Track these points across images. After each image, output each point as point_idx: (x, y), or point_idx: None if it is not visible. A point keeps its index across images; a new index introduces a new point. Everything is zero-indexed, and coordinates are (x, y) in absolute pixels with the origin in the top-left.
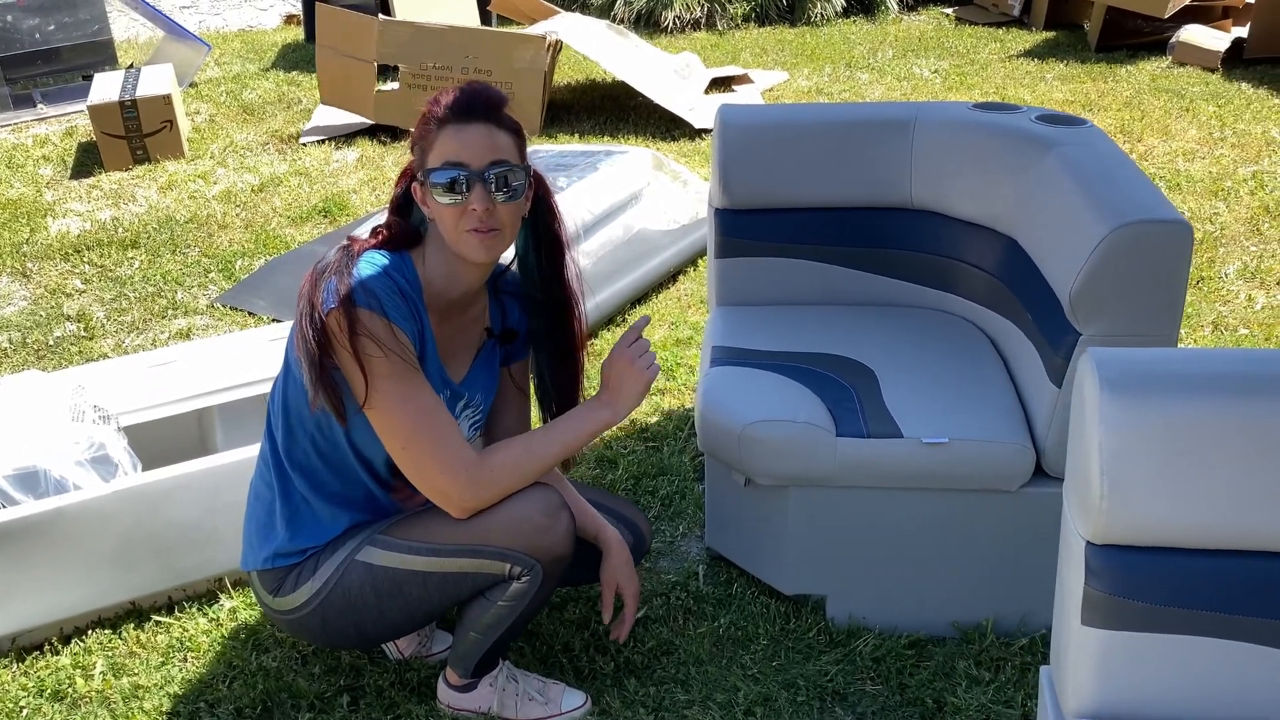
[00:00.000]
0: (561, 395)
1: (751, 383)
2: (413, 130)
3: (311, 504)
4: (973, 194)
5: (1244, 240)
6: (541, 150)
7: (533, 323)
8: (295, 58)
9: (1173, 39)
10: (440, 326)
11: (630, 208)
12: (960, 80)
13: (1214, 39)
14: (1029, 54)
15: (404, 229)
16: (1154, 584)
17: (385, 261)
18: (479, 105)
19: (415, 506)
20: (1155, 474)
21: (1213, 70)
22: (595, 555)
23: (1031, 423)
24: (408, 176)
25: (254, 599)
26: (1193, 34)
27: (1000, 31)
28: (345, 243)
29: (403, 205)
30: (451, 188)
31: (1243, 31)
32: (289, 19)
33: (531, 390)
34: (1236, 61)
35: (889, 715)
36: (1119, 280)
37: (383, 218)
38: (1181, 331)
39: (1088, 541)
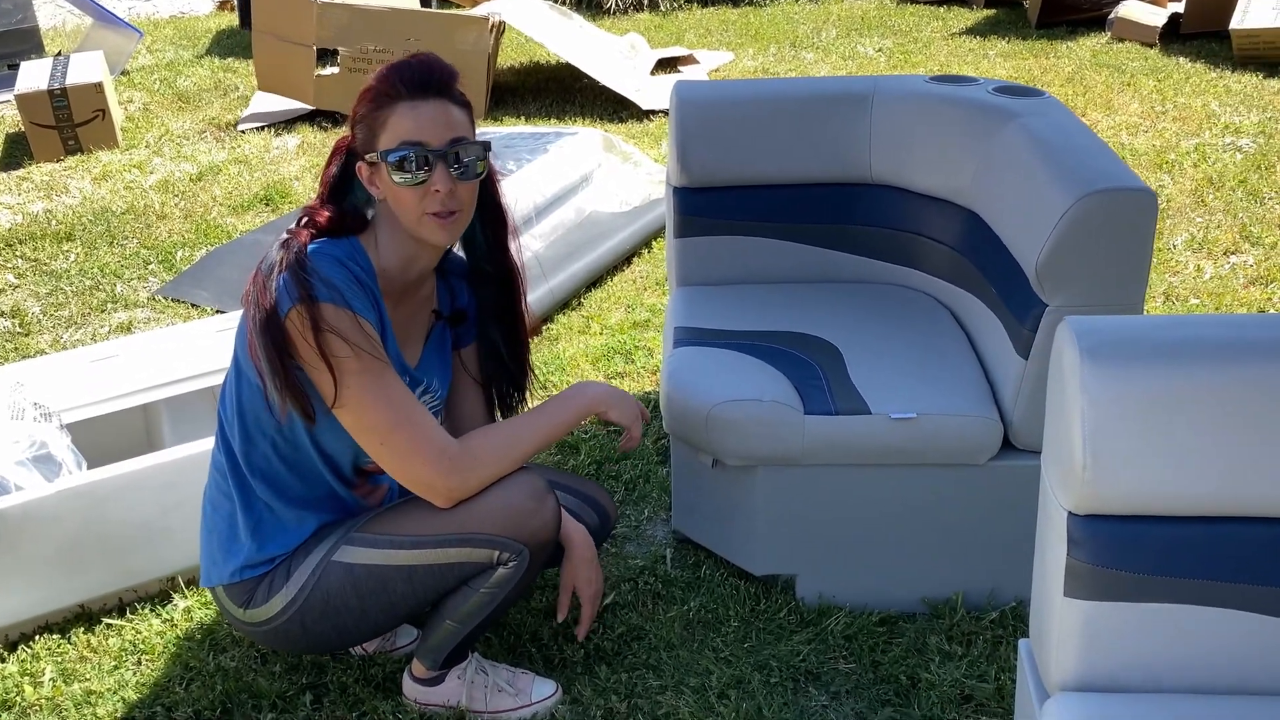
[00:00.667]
0: (517, 368)
1: (716, 363)
2: (355, 105)
3: (275, 510)
4: (932, 167)
5: (1190, 212)
6: (488, 133)
7: (481, 299)
8: (230, 44)
9: (1111, 15)
10: (395, 311)
11: (581, 190)
12: (905, 59)
13: (1151, 14)
14: (971, 31)
15: (347, 214)
16: (1137, 553)
17: (337, 251)
18: (434, 80)
19: (377, 501)
20: (1138, 442)
21: (1151, 45)
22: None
23: (998, 396)
24: (341, 154)
25: (211, 600)
26: (1131, 10)
27: (942, 10)
28: (285, 236)
29: (338, 187)
30: (412, 169)
31: (1179, 7)
32: (223, 4)
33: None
34: (1173, 36)
35: (863, 693)
36: (1085, 250)
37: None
38: None
39: (1070, 512)
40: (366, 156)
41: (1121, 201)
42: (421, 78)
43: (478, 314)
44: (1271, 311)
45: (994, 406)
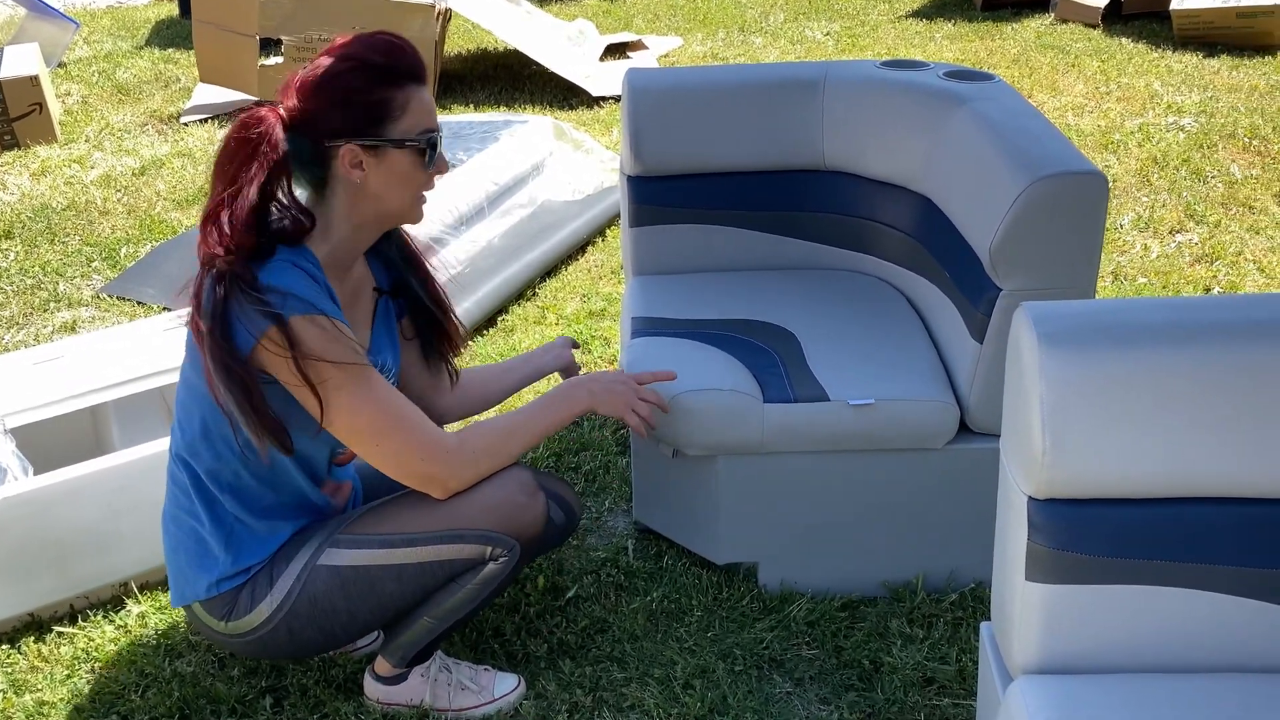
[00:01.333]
0: (451, 336)
1: (674, 352)
2: (329, 81)
3: (246, 522)
4: (885, 153)
5: (1136, 191)
6: (440, 119)
7: (386, 256)
8: (170, 34)
9: None
10: (337, 290)
11: (533, 178)
12: (852, 42)
13: None
14: (917, 14)
15: (289, 227)
16: (1097, 536)
17: (283, 258)
18: (424, 67)
19: (343, 499)
20: (1096, 426)
21: (1094, 26)
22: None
23: (954, 380)
24: (272, 149)
25: (165, 605)
26: None
27: None
28: (216, 269)
29: (271, 181)
30: (430, 154)
31: None
32: None
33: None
34: (1115, 17)
35: (826, 679)
36: (1037, 234)
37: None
38: None
39: (1030, 497)
40: (362, 139)
41: (1072, 185)
42: (419, 63)
43: (409, 279)
44: (1217, 289)
45: (950, 390)
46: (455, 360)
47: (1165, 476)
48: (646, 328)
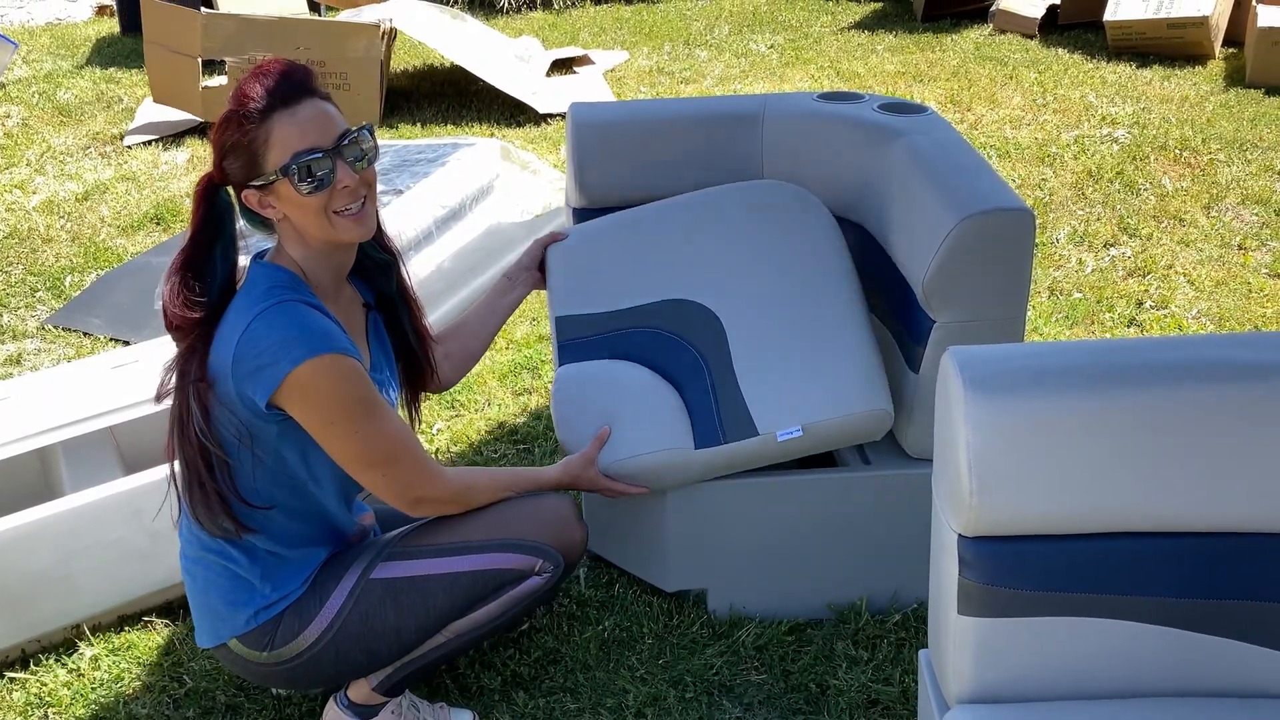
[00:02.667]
0: (422, 349)
1: (602, 398)
2: (218, 136)
3: (280, 554)
4: (823, 185)
5: (1071, 205)
6: (384, 145)
7: (378, 286)
8: (111, 52)
9: (993, 7)
10: (336, 316)
11: (482, 201)
12: (796, 55)
13: (1030, 6)
14: (859, 25)
15: (216, 270)
16: (1025, 571)
17: (276, 292)
18: (298, 84)
19: (369, 526)
20: (1020, 467)
21: (1031, 37)
22: None
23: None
24: (208, 191)
25: (119, 646)
26: (1011, 2)
27: (830, 4)
28: (188, 337)
29: (210, 234)
30: (314, 175)
31: None
32: (101, 9)
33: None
34: (1052, 27)
35: (775, 703)
36: (968, 268)
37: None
38: None
39: (959, 534)
40: (253, 182)
41: (1001, 222)
42: (286, 85)
43: (383, 300)
44: (1149, 303)
45: (880, 390)
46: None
47: (1088, 513)
48: (572, 342)
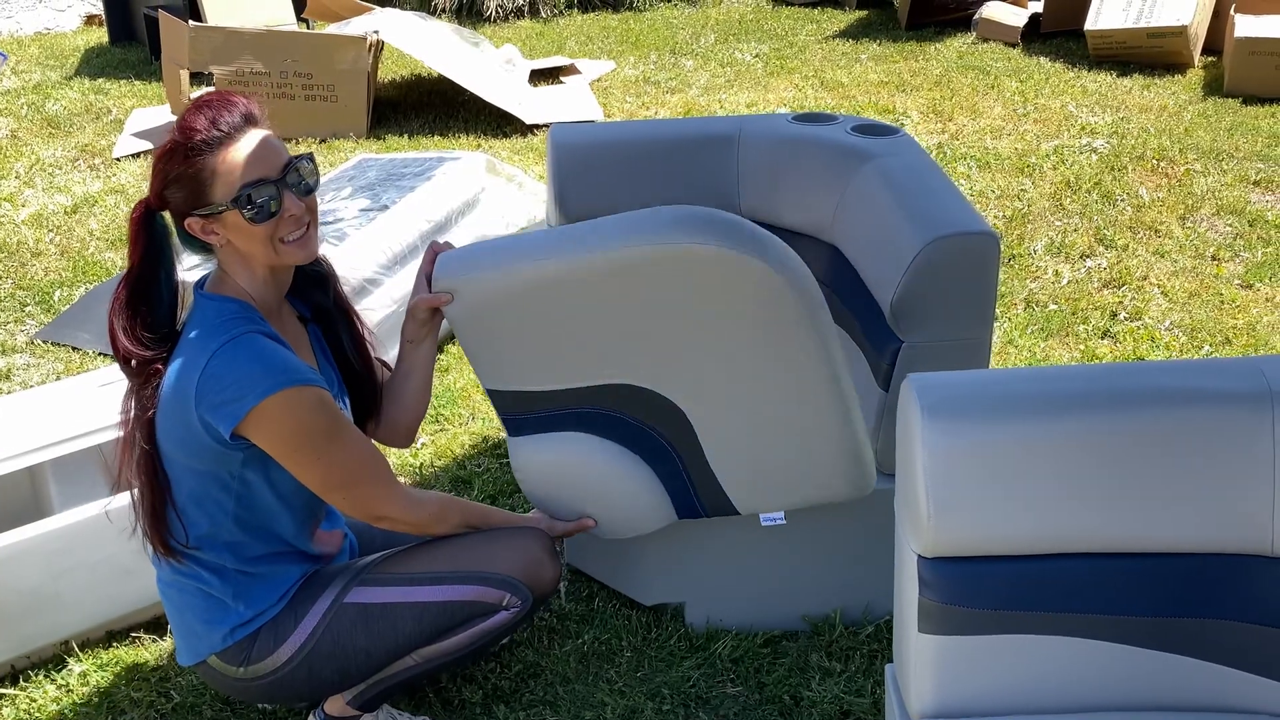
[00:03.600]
0: (362, 363)
1: (574, 480)
2: (160, 166)
3: (250, 572)
4: (797, 205)
5: (1049, 216)
6: (371, 159)
7: (315, 302)
8: (100, 63)
9: (976, 15)
10: (279, 333)
11: (468, 214)
12: (780, 64)
13: (1013, 15)
14: (844, 34)
15: (160, 302)
16: (982, 591)
17: (230, 325)
18: (245, 116)
19: (335, 548)
20: (976, 491)
21: (1014, 45)
22: None
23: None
24: (146, 218)
25: (107, 662)
26: (994, 10)
27: (816, 12)
28: (145, 371)
29: (152, 261)
30: (262, 206)
31: (1039, 6)
32: (90, 19)
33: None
34: (1034, 35)
35: (749, 715)
36: (935, 291)
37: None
38: (996, 309)
39: (919, 555)
40: (197, 211)
41: (967, 245)
42: (231, 118)
43: (319, 312)
44: (1123, 314)
45: (861, 467)
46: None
47: (1043, 535)
48: (515, 414)
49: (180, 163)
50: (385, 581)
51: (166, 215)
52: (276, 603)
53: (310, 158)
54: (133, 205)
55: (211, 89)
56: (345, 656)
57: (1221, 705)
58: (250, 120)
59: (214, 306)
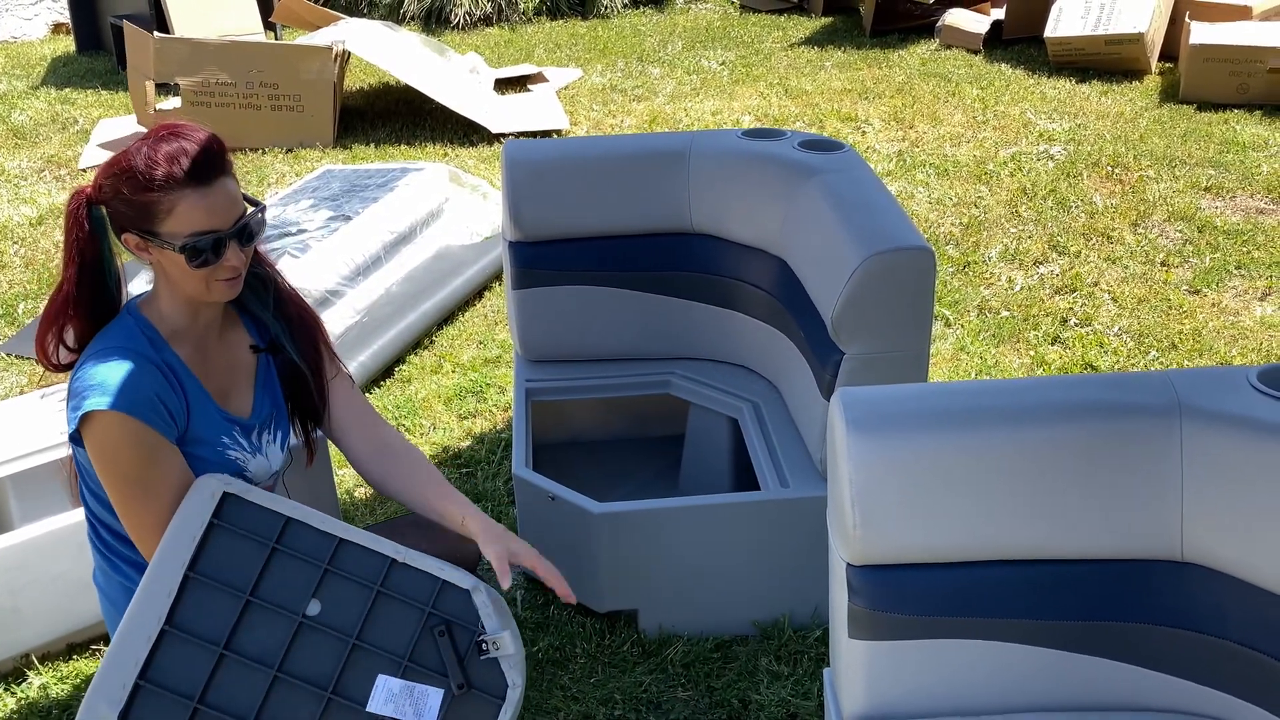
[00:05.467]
0: (314, 372)
1: None
2: (115, 182)
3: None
4: (745, 219)
5: (1005, 223)
6: (335, 169)
7: (281, 324)
8: (67, 72)
9: (939, 22)
10: (209, 362)
11: (431, 225)
12: (746, 72)
13: (975, 22)
14: (809, 41)
15: (105, 296)
16: (908, 597)
17: (111, 339)
18: (214, 162)
19: None
20: (900, 502)
21: (976, 52)
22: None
23: (803, 432)
24: (78, 225)
25: (68, 674)
26: (956, 17)
27: (782, 19)
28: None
29: (90, 252)
30: (205, 256)
31: (1000, 14)
32: (57, 27)
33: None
34: (996, 42)
35: (699, 719)
36: (873, 304)
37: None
38: (950, 315)
39: (848, 563)
40: (136, 231)
41: (903, 260)
42: (204, 164)
43: (282, 340)
44: (1074, 320)
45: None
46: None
47: (964, 543)
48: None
49: (137, 190)
50: None
51: (104, 210)
52: None
53: (262, 209)
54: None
55: (178, 104)
56: None
57: (1137, 704)
58: (218, 167)
59: (127, 322)
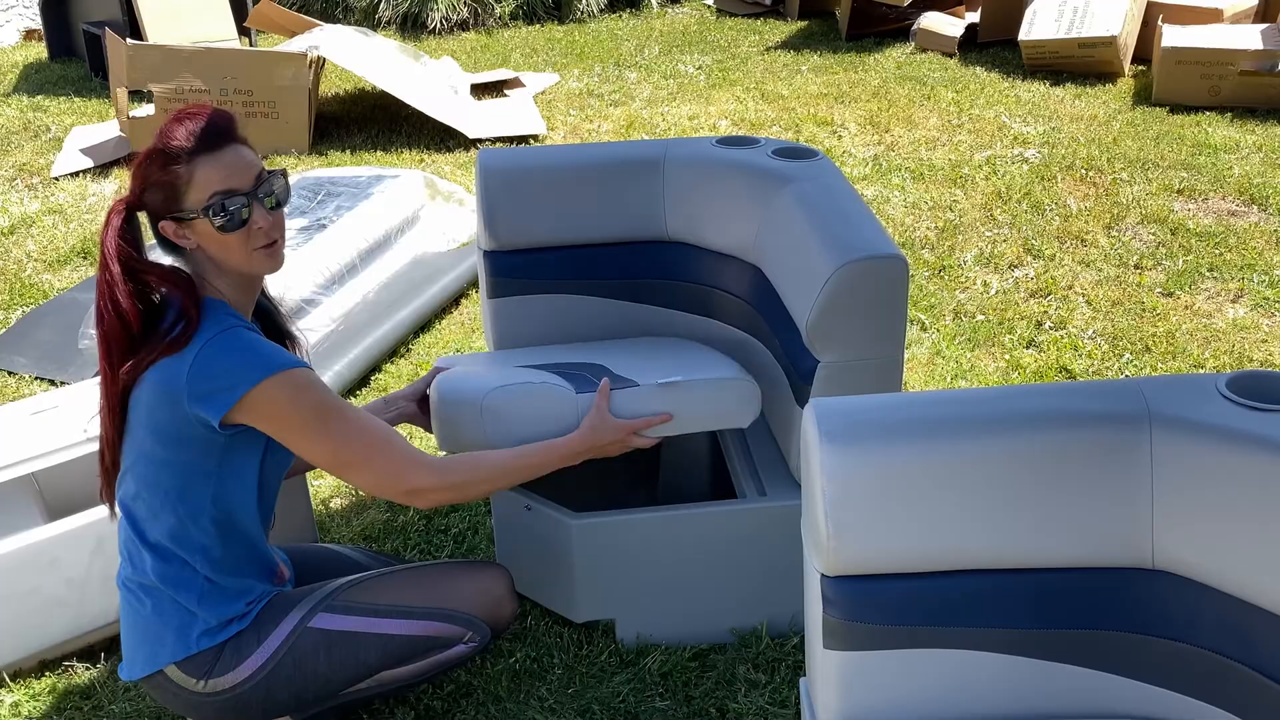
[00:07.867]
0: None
1: (483, 368)
2: (142, 170)
3: (216, 581)
4: (720, 227)
5: (980, 226)
6: (310, 175)
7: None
8: (39, 79)
9: (914, 26)
10: None
11: (407, 232)
12: (723, 76)
13: (950, 25)
14: (785, 45)
15: (185, 283)
16: (882, 607)
17: (215, 324)
18: (223, 130)
19: (282, 578)
20: (874, 512)
21: (951, 55)
22: None
23: (781, 443)
24: (122, 218)
25: (38, 692)
26: (931, 21)
27: (758, 23)
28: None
29: (133, 252)
30: (232, 216)
31: (975, 17)
32: (29, 34)
33: None
34: (971, 45)
35: None
36: (847, 312)
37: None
38: (925, 319)
39: (822, 574)
40: (171, 215)
41: (876, 268)
42: (212, 131)
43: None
44: (1048, 323)
45: (745, 372)
46: None
47: (938, 553)
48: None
49: (158, 168)
50: (351, 610)
51: (142, 216)
52: (243, 615)
53: (284, 174)
54: (70, 226)
55: (151, 111)
56: (304, 680)
57: (1110, 712)
58: (228, 135)
59: (216, 308)
